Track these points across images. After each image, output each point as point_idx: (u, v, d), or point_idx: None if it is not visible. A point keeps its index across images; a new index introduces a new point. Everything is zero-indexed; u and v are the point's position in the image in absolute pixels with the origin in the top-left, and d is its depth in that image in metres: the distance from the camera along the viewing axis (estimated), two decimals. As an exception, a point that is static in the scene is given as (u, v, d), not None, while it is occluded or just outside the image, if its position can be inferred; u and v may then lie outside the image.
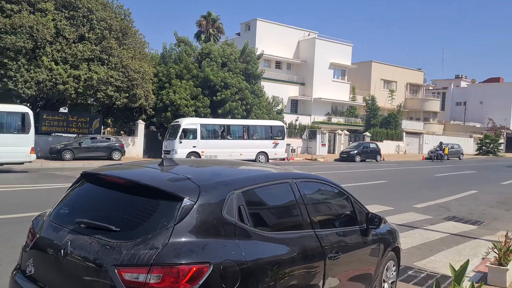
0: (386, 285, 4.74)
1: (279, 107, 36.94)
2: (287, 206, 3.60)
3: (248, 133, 27.61)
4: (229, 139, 26.46)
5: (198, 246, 2.69)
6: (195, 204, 2.79)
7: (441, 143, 39.25)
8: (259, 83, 36.15)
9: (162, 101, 28.34)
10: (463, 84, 71.93)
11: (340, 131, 40.89)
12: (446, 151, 38.32)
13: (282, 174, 3.85)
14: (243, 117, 31.59)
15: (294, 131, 38.68)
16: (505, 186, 17.99)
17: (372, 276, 4.41)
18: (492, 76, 72.51)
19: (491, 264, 5.67)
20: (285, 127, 31.03)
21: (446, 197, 13.96)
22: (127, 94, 25.54)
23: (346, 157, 32.70)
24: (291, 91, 43.63)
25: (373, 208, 11.12)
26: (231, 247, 2.81)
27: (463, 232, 9.07)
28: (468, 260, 3.48)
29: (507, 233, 5.80)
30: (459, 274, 3.33)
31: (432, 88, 71.11)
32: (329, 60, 44.63)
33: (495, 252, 5.71)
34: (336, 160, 33.25)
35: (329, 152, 39.06)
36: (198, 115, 29.23)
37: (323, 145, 37.88)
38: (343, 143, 40.00)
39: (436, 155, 37.51)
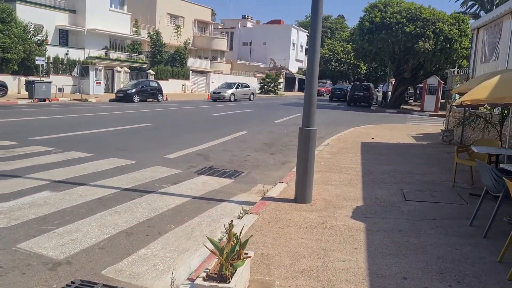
0: None
1: (40, 37, 30.33)
2: None
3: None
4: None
5: None
6: None
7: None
8: (11, 5, 28.90)
9: None
10: (249, 24, 73.62)
11: (119, 68, 36.39)
12: None
13: None
14: (-17, 47, 24.62)
15: (62, 67, 32.68)
16: (276, 125, 17.17)
17: None
18: (274, 18, 76.13)
19: (207, 276, 3.17)
20: None
21: (211, 141, 11.88)
22: None
23: (123, 96, 28.83)
24: (59, 19, 36.62)
25: (107, 163, 8.12)
26: None
27: (212, 191, 6.80)
28: None
29: (231, 222, 3.40)
30: None
31: (221, 27, 70.88)
32: (105, -15, 38.80)
33: (219, 256, 3.23)
34: (112, 100, 29.11)
35: (106, 91, 34.46)
36: None
37: (98, 83, 33.05)
38: (123, 81, 35.74)
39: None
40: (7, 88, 26.30)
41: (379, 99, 37.75)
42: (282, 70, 57.90)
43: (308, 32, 72.73)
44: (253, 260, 4.02)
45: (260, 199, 6.27)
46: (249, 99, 35.77)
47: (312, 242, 4.58)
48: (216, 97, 33.08)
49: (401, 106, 32.74)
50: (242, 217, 5.46)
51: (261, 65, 62.88)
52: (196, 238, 4.77)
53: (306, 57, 66.05)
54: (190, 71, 45.06)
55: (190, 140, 11.74)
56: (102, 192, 6.28)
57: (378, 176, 8.08)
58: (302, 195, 6.14)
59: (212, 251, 3.19)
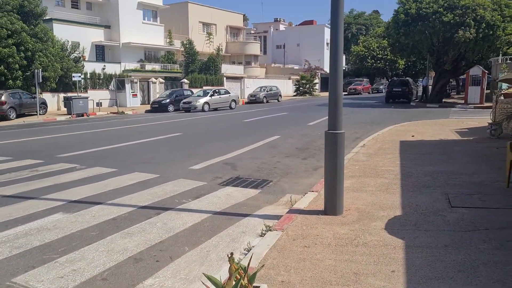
0: None
1: (76, 54, 31.02)
2: None
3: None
4: None
5: None
6: None
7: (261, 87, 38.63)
8: (48, 25, 29.74)
9: None
10: (282, 27, 73.08)
11: (154, 79, 36.74)
12: None
13: None
14: (22, 67, 25.34)
15: (99, 81, 33.28)
16: (310, 127, 16.51)
17: None
18: (307, 19, 75.23)
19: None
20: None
21: (240, 148, 11.42)
22: None
23: (158, 107, 29.02)
24: (94, 36, 37.44)
25: (128, 179, 7.79)
26: None
27: (236, 205, 6.30)
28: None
29: (231, 255, 2.83)
30: None
31: (253, 32, 70.76)
32: (137, -2, 39.38)
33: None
34: (147, 111, 29.37)
35: (143, 103, 34.88)
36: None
37: (134, 95, 33.48)
38: (158, 92, 36.05)
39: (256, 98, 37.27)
40: (46, 105, 26.99)
41: (419, 94, 36.18)
42: (317, 71, 56.93)
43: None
44: (271, 290, 3.47)
45: (287, 212, 5.70)
46: (230, 107, 30.20)
47: (342, 263, 3.97)
48: (186, 107, 28.00)
49: (443, 100, 31.18)
50: (264, 234, 4.92)
51: (296, 67, 62.17)
52: (212, 263, 4.27)
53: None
54: (224, 78, 44.97)
55: (218, 149, 11.31)
56: (118, 211, 5.90)
57: (419, 179, 7.33)
58: (332, 205, 5.52)
59: (210, 291, 2.67)
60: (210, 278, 2.68)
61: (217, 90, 30.68)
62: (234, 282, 2.63)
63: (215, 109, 28.94)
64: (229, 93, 31.55)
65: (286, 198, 6.61)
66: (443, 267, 3.80)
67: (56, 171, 8.62)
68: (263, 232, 5.01)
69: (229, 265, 4.09)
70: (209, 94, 29.14)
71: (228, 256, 2.81)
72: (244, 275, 2.83)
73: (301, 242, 4.57)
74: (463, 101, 28.73)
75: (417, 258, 4.03)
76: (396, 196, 6.28)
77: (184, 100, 28.94)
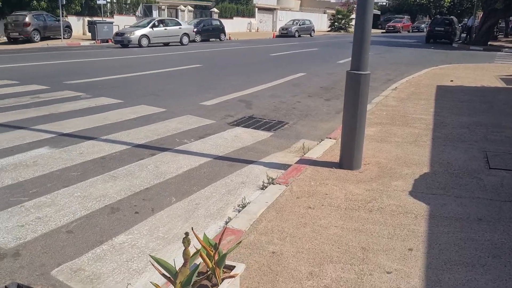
0: None
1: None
2: None
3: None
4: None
5: None
6: None
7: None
8: None
9: None
10: (321, -44, 68.49)
11: (183, 7, 35.35)
12: None
13: None
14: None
15: (125, 6, 32.16)
16: (340, 65, 15.35)
17: None
18: None
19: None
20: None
21: (260, 84, 10.58)
22: None
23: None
24: (122, -43, 35.75)
25: (132, 112, 7.19)
26: None
27: (242, 148, 5.63)
28: None
29: (186, 236, 2.15)
30: None
31: (291, -40, 66.76)
32: None
33: None
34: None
35: (170, 31, 33.77)
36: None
37: (161, 23, 32.30)
38: (186, 20, 34.75)
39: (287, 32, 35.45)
40: (71, 29, 26.33)
41: (463, 35, 33.63)
42: (355, 6, 53.58)
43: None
44: (258, 264, 2.85)
45: (296, 162, 5.00)
46: (181, 43, 24.34)
47: (349, 234, 3.29)
48: (119, 40, 22.22)
49: (489, 43, 28.82)
50: (266, 187, 4.26)
51: (333, 0, 58.80)
52: (198, 220, 3.66)
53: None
54: (256, 9, 42.98)
55: (236, 84, 10.52)
56: (110, 149, 5.33)
57: (454, 130, 6.43)
58: (348, 158, 4.77)
59: (154, 283, 2.04)
60: (159, 262, 2.03)
61: (163, 20, 24.53)
62: (188, 271, 1.98)
63: (166, 44, 23.65)
64: (180, 24, 25.17)
65: (299, 144, 5.88)
66: (474, 248, 3.07)
67: (58, 99, 8.09)
68: (265, 185, 4.35)
69: (212, 226, 3.49)
70: (150, 25, 22.91)
71: (187, 236, 2.15)
72: (214, 254, 2.18)
73: (305, 201, 3.89)
74: (511, 45, 26.47)
75: (442, 233, 3.30)
76: (425, 150, 5.45)
77: (117, 31, 23.90)
